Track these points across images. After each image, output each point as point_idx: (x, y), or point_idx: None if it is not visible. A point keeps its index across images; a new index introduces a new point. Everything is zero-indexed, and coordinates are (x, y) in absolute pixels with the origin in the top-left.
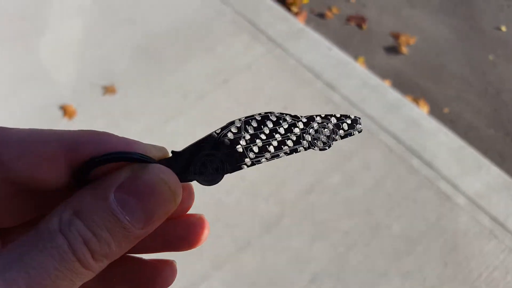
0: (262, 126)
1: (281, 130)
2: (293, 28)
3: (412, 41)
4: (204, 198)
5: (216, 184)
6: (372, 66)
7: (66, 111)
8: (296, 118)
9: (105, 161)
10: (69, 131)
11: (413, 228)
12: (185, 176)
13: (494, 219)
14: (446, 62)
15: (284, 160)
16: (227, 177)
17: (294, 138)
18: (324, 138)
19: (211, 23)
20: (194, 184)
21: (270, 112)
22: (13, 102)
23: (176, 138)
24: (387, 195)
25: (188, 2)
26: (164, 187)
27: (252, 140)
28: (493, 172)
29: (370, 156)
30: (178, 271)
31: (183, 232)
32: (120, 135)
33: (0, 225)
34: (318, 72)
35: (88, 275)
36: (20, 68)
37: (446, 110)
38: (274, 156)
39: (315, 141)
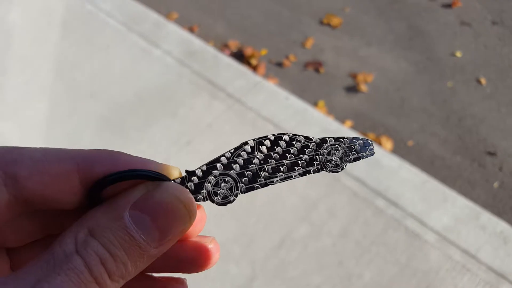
0: (275, 147)
1: (294, 151)
2: (251, 81)
3: (370, 78)
4: None
5: (230, 204)
6: (332, 108)
7: None
8: (308, 139)
9: (119, 179)
10: (83, 150)
11: (384, 273)
12: (198, 196)
13: (465, 252)
14: (407, 95)
15: (252, 215)
16: None
17: (307, 159)
18: (336, 160)
19: (172, 87)
20: None
21: (283, 133)
22: None
23: None
24: (356, 242)
25: (149, 69)
26: (179, 205)
27: (265, 161)
28: (460, 203)
29: (336, 202)
30: None
31: (194, 254)
32: None
33: (9, 245)
34: (277, 123)
35: None
36: None
37: (410, 143)
38: (287, 177)
39: (328, 163)
